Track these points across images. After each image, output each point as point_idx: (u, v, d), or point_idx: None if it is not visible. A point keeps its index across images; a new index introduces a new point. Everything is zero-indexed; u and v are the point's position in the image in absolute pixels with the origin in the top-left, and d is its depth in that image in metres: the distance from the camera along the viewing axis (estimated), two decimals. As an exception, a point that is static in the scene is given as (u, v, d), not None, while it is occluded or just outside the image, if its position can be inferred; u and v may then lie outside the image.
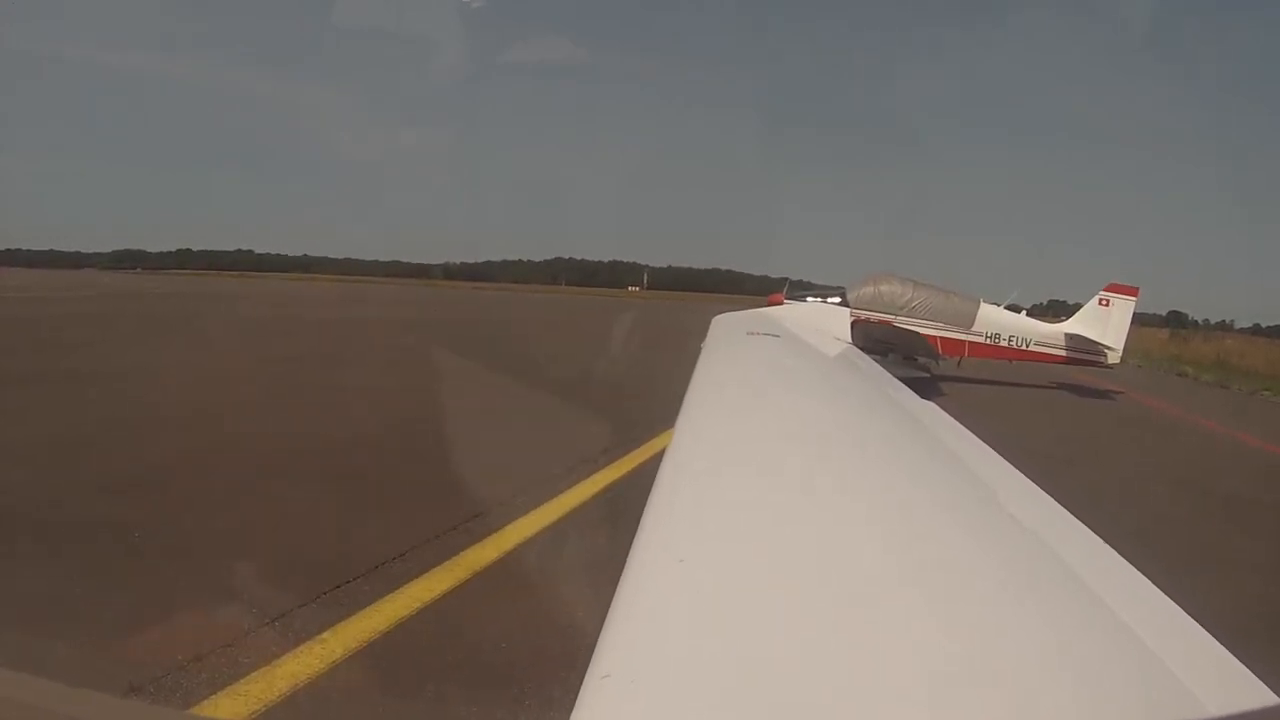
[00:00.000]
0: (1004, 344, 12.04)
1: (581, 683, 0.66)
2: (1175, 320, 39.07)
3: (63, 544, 3.73)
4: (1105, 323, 12.25)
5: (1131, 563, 0.97)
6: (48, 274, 54.44)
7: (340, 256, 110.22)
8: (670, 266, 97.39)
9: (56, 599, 3.12)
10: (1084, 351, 12.12)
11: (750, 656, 0.72)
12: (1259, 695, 0.70)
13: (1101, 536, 1.07)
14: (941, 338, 11.77)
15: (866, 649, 0.75)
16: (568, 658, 2.47)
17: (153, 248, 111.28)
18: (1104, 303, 12.39)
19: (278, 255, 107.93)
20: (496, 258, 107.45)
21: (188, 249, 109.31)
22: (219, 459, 5.55)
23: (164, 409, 7.35)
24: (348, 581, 3.34)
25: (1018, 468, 1.43)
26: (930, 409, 2.08)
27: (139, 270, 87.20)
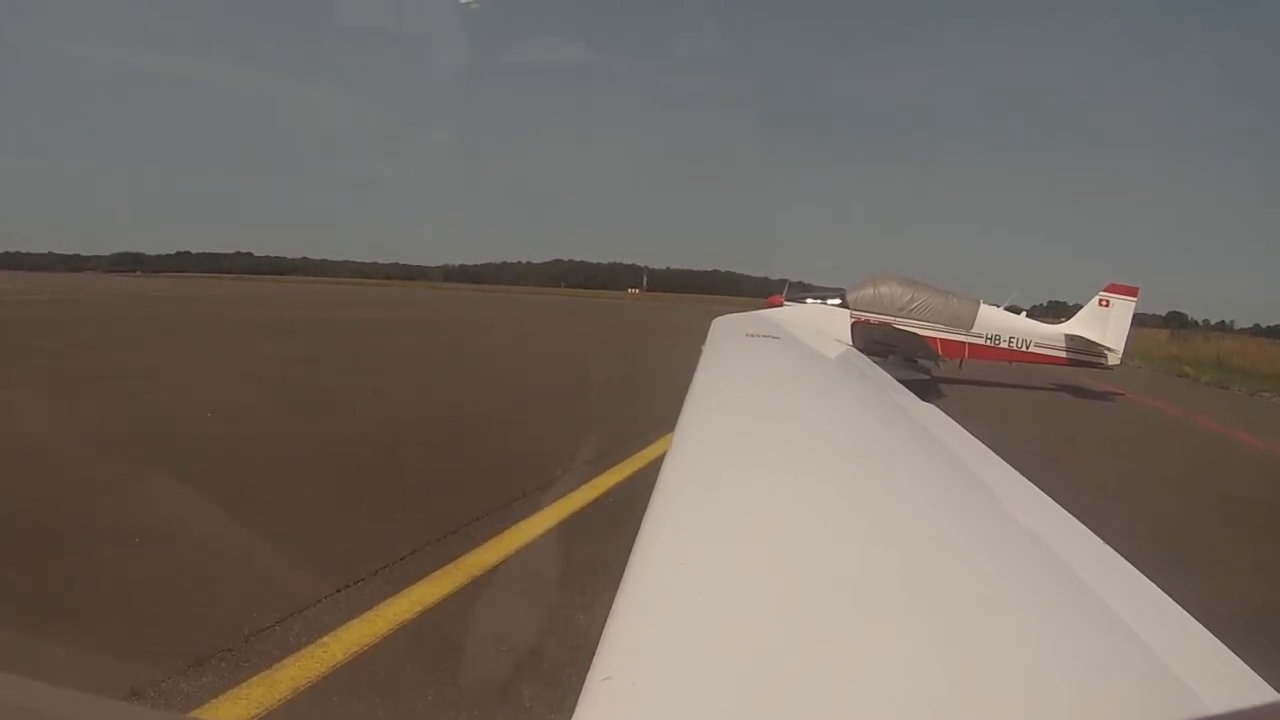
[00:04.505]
0: (1004, 345, 12.02)
1: (583, 685, 0.66)
2: (1175, 320, 39.26)
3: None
4: (1105, 323, 12.23)
5: (1141, 565, 0.97)
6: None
7: (339, 259, 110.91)
8: (670, 268, 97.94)
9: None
10: (1084, 353, 12.10)
11: (751, 659, 0.72)
12: (1260, 692, 0.71)
13: (1110, 539, 1.07)
14: (941, 339, 11.74)
15: (867, 651, 0.75)
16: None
17: (151, 250, 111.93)
18: (1104, 303, 12.37)
19: (277, 257, 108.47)
20: (496, 259, 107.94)
21: (187, 251, 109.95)
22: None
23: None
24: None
25: (1018, 471, 1.43)
26: (930, 411, 2.07)
27: (139, 273, 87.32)
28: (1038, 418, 10.50)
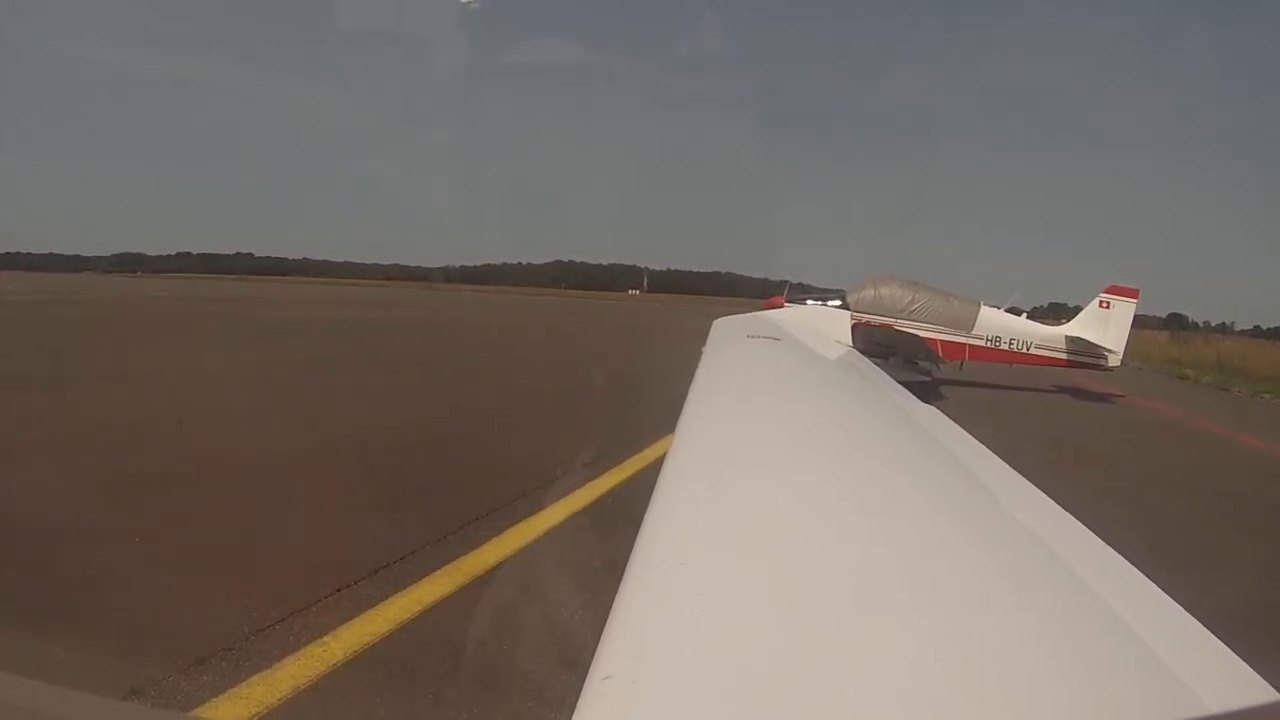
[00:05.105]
0: (1005, 347, 12.02)
1: (583, 685, 0.66)
2: (1176, 322, 39.28)
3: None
4: (1106, 325, 12.23)
5: (1142, 565, 0.97)
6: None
7: (340, 259, 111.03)
8: (670, 269, 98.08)
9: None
10: (1085, 354, 12.10)
11: (750, 659, 0.72)
12: (1260, 692, 0.70)
13: (1110, 538, 1.06)
14: (942, 341, 11.75)
15: (867, 651, 0.75)
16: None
17: (152, 250, 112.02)
18: (1104, 305, 12.37)
19: (278, 258, 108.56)
20: (496, 260, 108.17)
21: (187, 252, 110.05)
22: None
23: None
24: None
25: (1020, 473, 1.43)
26: (930, 413, 2.08)
27: (139, 273, 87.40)
28: (1039, 419, 10.48)
